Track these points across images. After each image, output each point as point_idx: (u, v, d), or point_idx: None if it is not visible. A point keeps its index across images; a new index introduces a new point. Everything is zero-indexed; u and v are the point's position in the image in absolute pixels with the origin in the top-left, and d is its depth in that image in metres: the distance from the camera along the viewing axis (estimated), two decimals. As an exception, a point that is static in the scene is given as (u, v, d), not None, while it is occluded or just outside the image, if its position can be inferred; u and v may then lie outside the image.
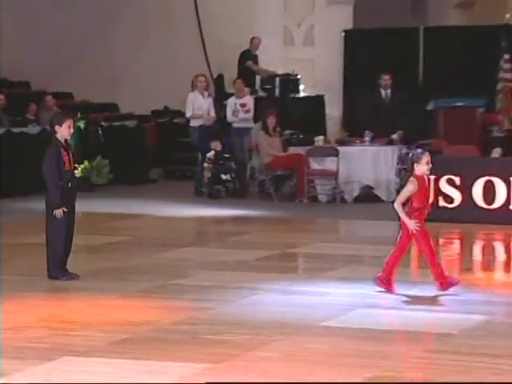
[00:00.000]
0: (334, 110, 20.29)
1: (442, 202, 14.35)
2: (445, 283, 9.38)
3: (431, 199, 10.39)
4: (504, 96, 18.53)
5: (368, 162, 16.55)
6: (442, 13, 21.32)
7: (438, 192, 14.31)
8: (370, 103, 17.99)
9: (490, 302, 9.12)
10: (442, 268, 9.47)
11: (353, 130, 18.33)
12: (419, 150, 9.89)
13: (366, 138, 16.88)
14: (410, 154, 9.72)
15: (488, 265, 11.77)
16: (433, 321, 8.44)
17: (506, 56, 18.63)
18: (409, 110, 17.83)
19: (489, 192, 14.15)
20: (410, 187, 9.45)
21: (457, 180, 14.32)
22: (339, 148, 16.58)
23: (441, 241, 13.09)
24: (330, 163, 16.42)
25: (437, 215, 14.08)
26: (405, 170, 9.76)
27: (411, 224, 9.36)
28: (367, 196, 16.45)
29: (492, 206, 14.13)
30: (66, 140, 9.92)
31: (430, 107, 18.65)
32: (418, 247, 9.83)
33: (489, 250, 12.65)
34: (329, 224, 14.63)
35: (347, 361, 7.15)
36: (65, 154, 9.84)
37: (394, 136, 17.08)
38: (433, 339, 7.82)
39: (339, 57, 20.68)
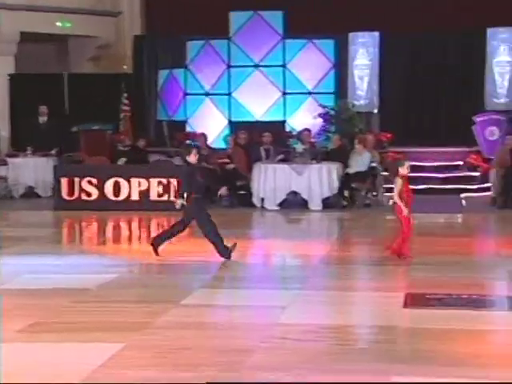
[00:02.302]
0: (5, 133, 19.56)
1: (84, 197, 14.27)
2: (403, 255, 9.29)
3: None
4: (125, 122, 18.72)
5: (30, 169, 16.17)
6: (80, 63, 21.15)
7: (80, 189, 14.23)
8: (31, 127, 17.54)
9: (118, 265, 9.15)
10: (409, 246, 9.34)
11: (18, 147, 17.75)
12: (403, 159, 9.79)
13: (28, 152, 16.47)
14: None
15: (117, 239, 11.82)
16: (77, 280, 8.28)
17: (125, 95, 18.84)
18: (60, 132, 17.56)
19: (116, 189, 14.24)
20: (400, 184, 9.29)
21: (94, 181, 14.29)
22: (8, 159, 16.09)
23: (83, 224, 13.01)
24: (2, 171, 15.87)
25: (80, 206, 14.03)
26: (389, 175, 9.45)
27: (405, 210, 9.23)
28: (30, 193, 16.04)
29: (119, 199, 14.23)
30: (195, 163, 9.70)
31: (74, 129, 18.43)
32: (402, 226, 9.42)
33: (117, 229, 12.70)
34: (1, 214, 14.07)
35: (16, 312, 6.93)
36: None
37: (53, 151, 16.79)
38: (77, 293, 7.68)
39: (7, 93, 19.96)
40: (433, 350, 5.89)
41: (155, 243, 9.66)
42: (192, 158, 9.71)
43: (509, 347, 6.14)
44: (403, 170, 9.45)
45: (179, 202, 9.57)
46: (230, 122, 19.59)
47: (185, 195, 9.57)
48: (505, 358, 5.74)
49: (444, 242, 9.82)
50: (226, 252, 9.45)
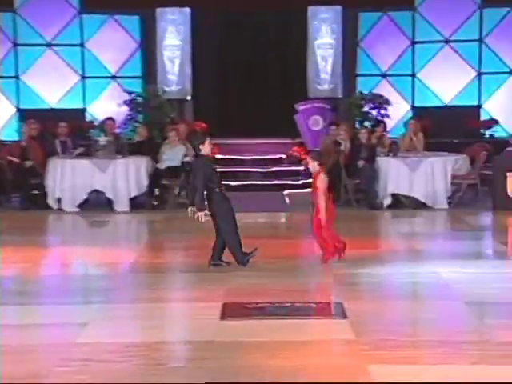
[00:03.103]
0: None
1: None
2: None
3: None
4: None
5: None
6: None
7: None
8: None
9: None
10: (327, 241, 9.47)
11: None
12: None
13: None
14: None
15: None
16: None
17: None
18: None
19: None
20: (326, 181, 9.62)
21: None
22: None
23: None
24: None
25: None
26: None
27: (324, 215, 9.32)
28: None
29: None
30: (208, 154, 9.58)
31: None
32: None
33: None
34: None
35: None
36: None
37: None
38: None
39: None
40: (255, 365, 5.98)
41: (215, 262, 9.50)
42: (206, 149, 9.59)
43: (336, 357, 6.34)
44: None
45: (201, 214, 9.36)
46: (19, 110, 19.14)
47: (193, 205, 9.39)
48: (333, 370, 5.93)
49: (266, 245, 10.02)
50: (243, 258, 9.40)
